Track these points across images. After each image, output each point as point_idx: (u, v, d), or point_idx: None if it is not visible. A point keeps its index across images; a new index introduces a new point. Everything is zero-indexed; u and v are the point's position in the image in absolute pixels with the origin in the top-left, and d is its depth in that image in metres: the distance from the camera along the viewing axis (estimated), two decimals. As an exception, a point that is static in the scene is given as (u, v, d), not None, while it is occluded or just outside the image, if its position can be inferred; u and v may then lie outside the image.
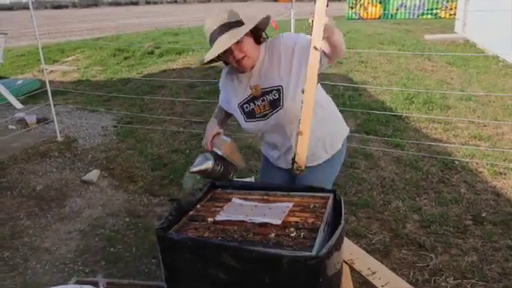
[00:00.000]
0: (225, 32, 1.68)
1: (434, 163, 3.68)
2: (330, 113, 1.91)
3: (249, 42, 1.71)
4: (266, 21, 1.75)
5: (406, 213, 3.02)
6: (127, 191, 3.49)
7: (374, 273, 1.70)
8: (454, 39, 9.98)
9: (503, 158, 3.76)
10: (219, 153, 1.79)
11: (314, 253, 1.32)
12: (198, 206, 1.75)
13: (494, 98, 5.34)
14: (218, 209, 1.70)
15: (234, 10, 1.74)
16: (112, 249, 2.72)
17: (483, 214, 2.95)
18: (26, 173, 3.84)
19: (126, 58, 8.17)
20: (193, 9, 31.46)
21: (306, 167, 1.87)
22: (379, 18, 16.01)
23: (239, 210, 1.66)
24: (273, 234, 1.46)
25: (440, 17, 15.65)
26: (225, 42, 1.65)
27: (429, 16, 15.89)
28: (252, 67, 1.77)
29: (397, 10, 16.18)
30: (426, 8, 16.00)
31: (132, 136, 4.58)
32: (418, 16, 15.95)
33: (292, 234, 1.46)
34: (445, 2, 15.72)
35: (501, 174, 3.53)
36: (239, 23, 1.72)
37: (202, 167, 1.77)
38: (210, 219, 1.60)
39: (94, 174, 3.71)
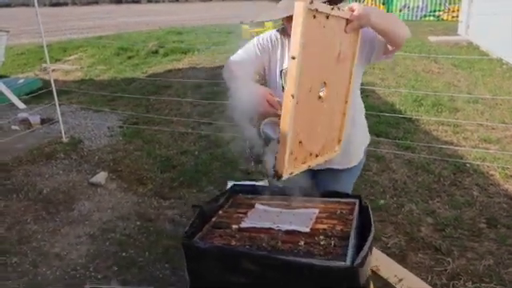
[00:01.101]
0: None
1: (446, 166, 3.65)
2: (362, 119, 1.87)
3: None
4: None
5: (420, 216, 2.99)
6: (136, 194, 3.44)
7: (400, 280, 1.67)
8: (458, 41, 9.98)
9: (514, 161, 3.74)
10: None
11: (348, 262, 1.28)
12: (220, 212, 1.71)
13: (501, 100, 5.32)
14: (241, 215, 1.66)
15: None
16: (124, 253, 2.68)
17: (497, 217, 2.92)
18: (31, 175, 3.79)
19: (129, 58, 8.12)
20: (195, 8, 31.38)
21: (330, 169, 1.83)
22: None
23: (264, 216, 1.62)
24: (302, 242, 1.43)
25: (442, 19, 15.64)
26: (290, 8, 1.39)
27: (431, 18, 15.88)
28: None
29: (400, 10, 16.17)
30: (428, 10, 15.99)
31: (139, 137, 4.53)
32: (421, 18, 15.94)
33: (322, 242, 1.43)
34: (447, 4, 15.71)
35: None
36: None
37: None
38: (234, 226, 1.56)
39: (101, 176, 3.67)
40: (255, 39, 1.75)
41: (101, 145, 4.42)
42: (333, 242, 1.42)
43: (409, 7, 16.21)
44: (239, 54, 1.74)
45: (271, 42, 1.72)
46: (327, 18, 1.34)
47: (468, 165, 3.68)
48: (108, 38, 10.62)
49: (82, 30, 15.54)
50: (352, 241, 1.43)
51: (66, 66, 8.35)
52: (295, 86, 1.27)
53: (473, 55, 8.19)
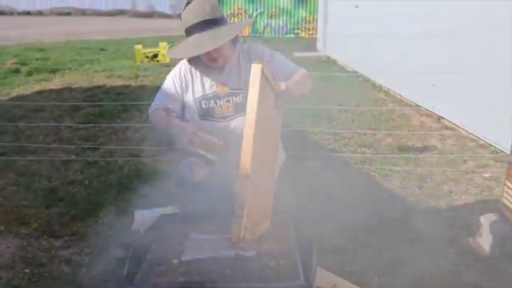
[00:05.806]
0: (205, 30, 1.63)
1: (334, 171, 3.97)
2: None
3: (226, 43, 1.69)
4: (247, 24, 1.82)
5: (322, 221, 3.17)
6: (19, 236, 2.95)
7: (333, 286, 1.75)
8: (319, 56, 11.13)
9: (386, 162, 4.26)
10: (211, 157, 1.59)
11: (303, 281, 1.31)
12: (153, 247, 1.58)
13: (364, 109, 6.06)
14: (177, 247, 1.56)
15: (215, 1, 1.70)
16: (16, 311, 2.26)
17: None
18: None
19: (-22, 78, 6.97)
20: (48, 21, 28.48)
21: None
22: (248, 35, 16.91)
23: (205, 245, 1.55)
24: (252, 267, 1.40)
25: (301, 36, 17.26)
26: (204, 44, 1.61)
27: (291, 35, 17.38)
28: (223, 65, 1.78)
29: (264, 29, 17.31)
30: (288, 28, 17.48)
31: (10, 169, 3.91)
32: (283, 35, 17.32)
33: (271, 264, 1.43)
34: (304, 23, 17.40)
35: (388, 176, 3.99)
36: (220, 20, 1.68)
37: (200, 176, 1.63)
38: (174, 260, 1.46)
39: (-33, 221, 3.05)
40: (170, 78, 1.84)
41: (-40, 183, 3.68)
42: (281, 262, 1.43)
43: (271, 26, 17.50)
44: (161, 98, 1.83)
45: (185, 76, 1.82)
46: (269, 84, 1.39)
47: (353, 169, 4.08)
48: None
49: None
50: (297, 258, 1.46)
51: None
52: (250, 165, 1.25)
53: (332, 69, 9.20)
